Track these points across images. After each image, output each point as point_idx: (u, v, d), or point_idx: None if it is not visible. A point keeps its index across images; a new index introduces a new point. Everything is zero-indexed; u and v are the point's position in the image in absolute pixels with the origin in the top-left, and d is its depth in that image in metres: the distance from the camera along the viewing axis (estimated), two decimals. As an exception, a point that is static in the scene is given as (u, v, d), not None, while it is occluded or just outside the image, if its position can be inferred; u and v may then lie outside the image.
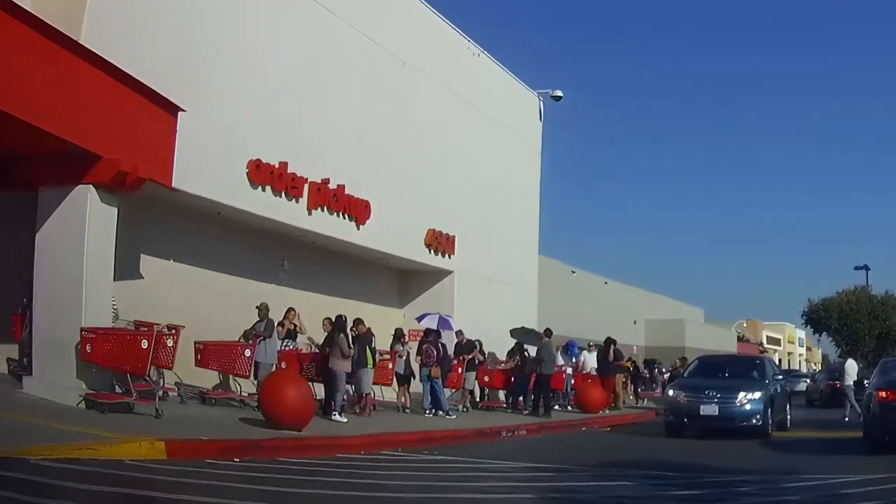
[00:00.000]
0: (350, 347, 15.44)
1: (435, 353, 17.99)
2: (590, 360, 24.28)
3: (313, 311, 16.98)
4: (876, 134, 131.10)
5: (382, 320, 19.90)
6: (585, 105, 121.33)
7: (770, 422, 16.03)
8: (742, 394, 15.95)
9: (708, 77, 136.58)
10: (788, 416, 18.59)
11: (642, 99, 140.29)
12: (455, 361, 19.78)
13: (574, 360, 23.23)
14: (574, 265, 53.40)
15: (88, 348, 11.81)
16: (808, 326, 63.88)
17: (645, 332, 60.94)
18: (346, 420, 14.77)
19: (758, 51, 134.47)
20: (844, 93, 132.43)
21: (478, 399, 21.41)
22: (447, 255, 21.53)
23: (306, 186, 17.14)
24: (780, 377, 18.11)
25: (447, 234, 21.41)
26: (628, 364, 34.94)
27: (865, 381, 18.24)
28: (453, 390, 20.21)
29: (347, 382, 16.67)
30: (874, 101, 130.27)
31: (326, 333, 15.72)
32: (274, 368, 15.96)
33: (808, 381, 40.32)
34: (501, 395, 21.83)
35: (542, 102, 27.09)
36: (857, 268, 54.78)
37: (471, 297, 22.12)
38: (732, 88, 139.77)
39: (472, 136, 23.07)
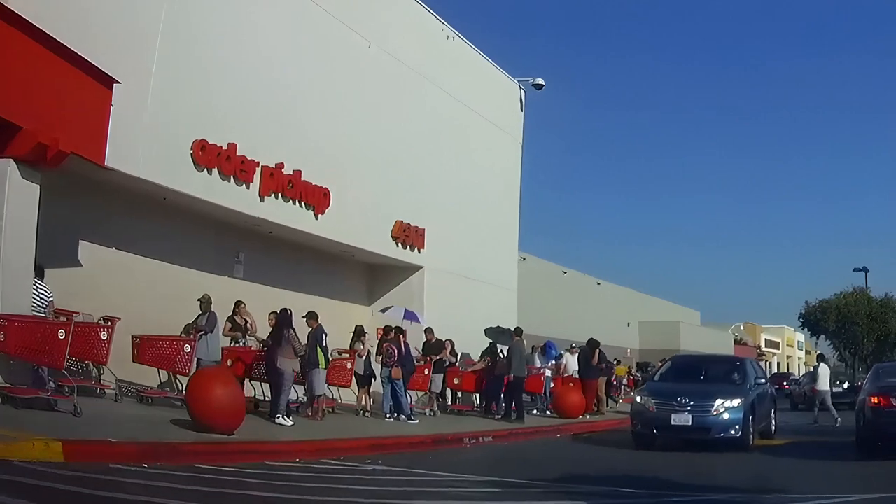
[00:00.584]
0: (301, 344, 14.29)
1: (396, 351, 16.74)
2: (572, 363, 23.03)
3: (273, 307, 15.76)
4: (878, 138, 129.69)
5: (350, 317, 18.73)
6: (574, 101, 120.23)
7: (751, 432, 14.40)
8: (719, 401, 14.04)
9: (704, 78, 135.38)
10: (773, 424, 17.17)
11: (635, 103, 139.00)
12: (422, 362, 18.57)
13: (553, 361, 21.90)
14: (566, 266, 52.33)
15: (1, 337, 10.80)
16: (806, 329, 62.35)
17: (639, 335, 59.70)
18: (291, 424, 13.57)
19: (755, 55, 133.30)
20: (854, 97, 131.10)
21: (449, 402, 20.18)
22: (416, 250, 20.23)
23: (258, 171, 15.87)
24: (764, 380, 16.34)
25: (416, 227, 20.11)
26: (623, 369, 33.86)
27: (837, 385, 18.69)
28: (422, 393, 19.00)
29: (298, 383, 15.59)
30: (874, 103, 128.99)
31: (271, 329, 14.52)
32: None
33: (794, 384, 41.49)
34: (477, 398, 20.59)
35: (523, 91, 25.71)
36: (855, 269, 53.50)
37: (443, 295, 20.85)
38: (732, 89, 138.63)
39: (445, 124, 21.75)
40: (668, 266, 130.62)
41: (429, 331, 18.90)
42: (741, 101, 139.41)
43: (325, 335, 15.29)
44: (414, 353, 18.31)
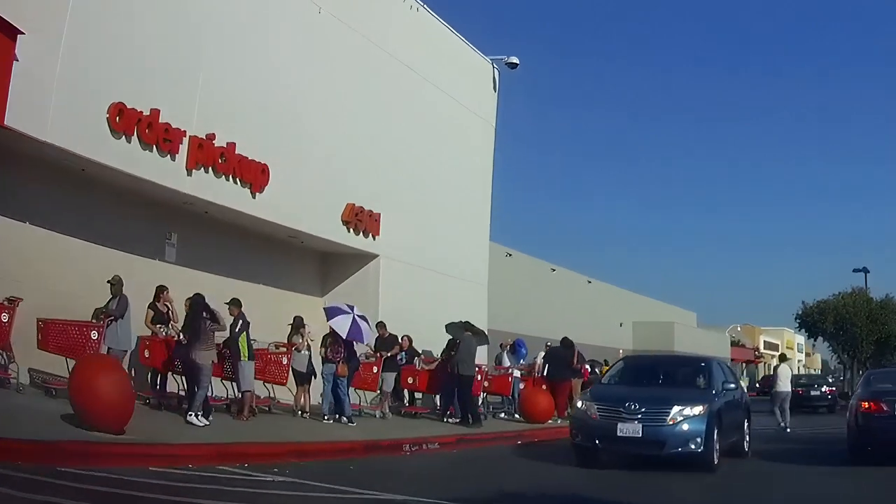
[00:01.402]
0: (222, 321, 12.79)
1: (342, 346, 15.16)
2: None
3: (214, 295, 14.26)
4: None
5: (300, 309, 17.08)
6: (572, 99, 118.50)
7: (716, 448, 11.72)
8: (677, 408, 11.39)
9: (699, 78, 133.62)
10: (747, 438, 14.10)
11: (629, 103, 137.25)
12: (372, 358, 16.98)
13: (522, 361, 20.17)
14: (557, 264, 50.61)
15: None
16: (802, 330, 60.41)
17: (632, 336, 58.02)
18: (203, 424, 12.05)
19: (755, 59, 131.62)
20: (850, 95, 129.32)
21: (406, 403, 18.56)
22: (371, 236, 18.56)
23: (185, 141, 14.21)
24: (734, 385, 13.59)
25: (371, 211, 18.43)
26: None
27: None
28: (374, 394, 17.40)
29: (229, 379, 14.07)
30: (875, 103, 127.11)
31: (185, 316, 12.97)
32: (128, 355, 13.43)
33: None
34: (438, 400, 18.96)
35: (496, 70, 23.94)
36: (855, 270, 51.77)
37: (401, 286, 19.21)
38: (730, 89, 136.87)
39: (407, 102, 20.06)
40: (667, 267, 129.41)
41: (381, 325, 17.31)
42: (738, 101, 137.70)
43: (248, 323, 13.76)
44: (365, 349, 16.75)
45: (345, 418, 14.92)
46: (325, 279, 19.36)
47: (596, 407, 11.94)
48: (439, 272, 20.55)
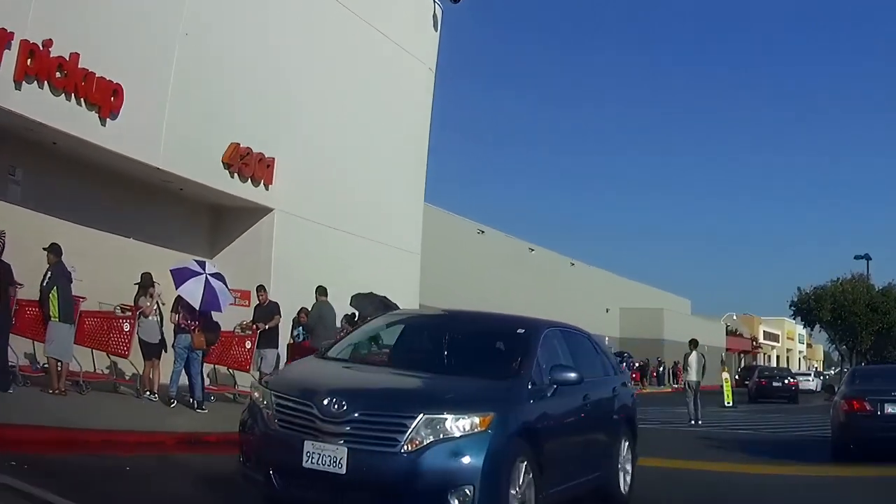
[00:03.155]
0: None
1: (196, 312, 12.23)
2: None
3: (68, 246, 11.51)
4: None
5: None
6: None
7: (525, 497, 5.95)
8: (426, 416, 5.65)
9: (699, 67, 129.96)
10: (625, 472, 8.21)
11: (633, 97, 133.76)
12: (248, 331, 14.05)
13: None
14: (539, 246, 47.50)
15: None
16: (798, 318, 57.05)
17: (619, 322, 55.01)
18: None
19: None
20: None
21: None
22: (263, 185, 15.50)
23: (12, 46, 11.22)
24: (598, 375, 8.08)
25: (261, 154, 15.37)
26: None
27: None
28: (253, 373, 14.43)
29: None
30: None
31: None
32: None
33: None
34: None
35: (438, 6, 20.66)
36: (857, 257, 48.69)
37: (302, 249, 16.21)
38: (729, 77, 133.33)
39: (323, 33, 16.93)
40: (664, 254, 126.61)
41: (261, 289, 14.35)
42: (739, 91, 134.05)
43: (64, 277, 10.87)
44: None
45: (196, 402, 12.03)
46: (214, 237, 16.34)
47: (275, 401, 6.01)
48: (357, 235, 17.52)
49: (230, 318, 13.84)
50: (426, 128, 20.50)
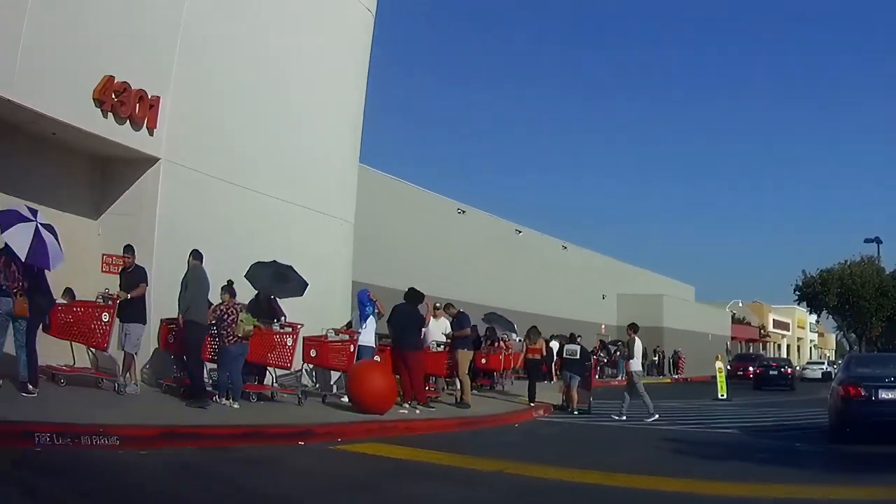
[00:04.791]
0: None
1: (18, 272, 9.76)
2: (435, 329, 15.99)
3: None
4: None
5: (68, 237, 11.67)
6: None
7: None
8: None
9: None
10: None
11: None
12: (107, 300, 11.55)
13: (366, 322, 14.15)
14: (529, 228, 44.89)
15: None
16: (802, 303, 53.95)
17: (617, 309, 52.28)
18: None
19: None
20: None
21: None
22: (145, 129, 12.90)
23: None
24: None
25: (142, 92, 12.78)
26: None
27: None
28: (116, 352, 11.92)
29: None
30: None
31: None
32: None
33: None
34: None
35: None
36: (867, 240, 45.71)
37: (195, 208, 13.52)
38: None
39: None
40: (670, 241, 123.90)
41: (128, 250, 11.83)
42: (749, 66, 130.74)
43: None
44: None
45: (29, 383, 9.59)
46: (101, 195, 13.74)
47: None
48: (268, 195, 14.96)
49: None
50: (363, 79, 17.86)
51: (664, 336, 51.25)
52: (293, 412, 12.00)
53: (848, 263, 47.08)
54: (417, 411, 13.39)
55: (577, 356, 18.66)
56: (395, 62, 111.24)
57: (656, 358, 47.89)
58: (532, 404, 17.92)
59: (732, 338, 63.92)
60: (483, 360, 22.21)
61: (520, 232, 40.52)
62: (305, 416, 11.65)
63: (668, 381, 45.40)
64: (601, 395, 24.75)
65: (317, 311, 14.45)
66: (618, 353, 42.37)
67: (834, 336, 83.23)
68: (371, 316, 14.06)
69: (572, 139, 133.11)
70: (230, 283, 11.97)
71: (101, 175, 13.81)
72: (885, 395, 12.58)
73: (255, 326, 12.28)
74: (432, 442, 10.62)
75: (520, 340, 24.48)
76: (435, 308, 16.70)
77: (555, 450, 11.49)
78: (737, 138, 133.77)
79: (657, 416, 16.40)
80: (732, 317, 65.92)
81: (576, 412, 17.54)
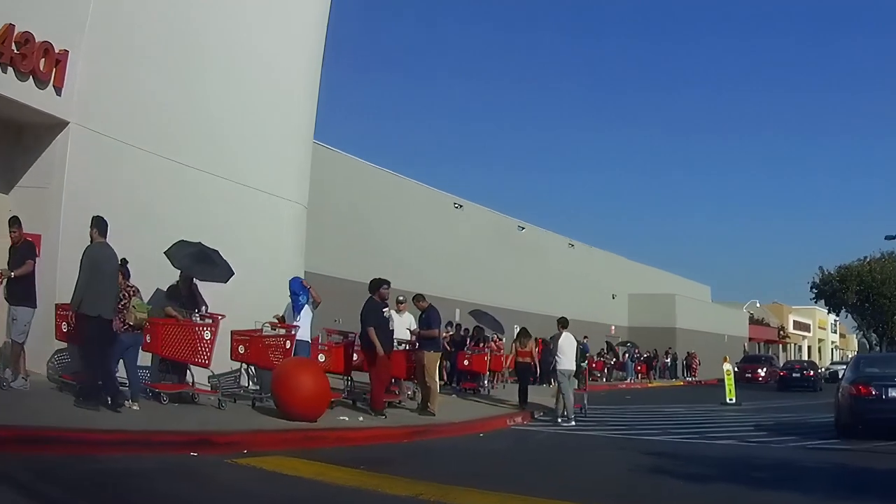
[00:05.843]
0: None
1: None
2: (399, 325, 14.15)
3: None
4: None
5: None
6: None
7: None
8: None
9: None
10: None
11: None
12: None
13: (300, 315, 12.35)
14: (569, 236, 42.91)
15: None
16: (821, 302, 51.46)
17: (628, 310, 50.17)
18: None
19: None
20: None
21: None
22: (50, 87, 11.15)
23: None
24: None
25: (47, 44, 11.03)
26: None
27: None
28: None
29: None
30: None
31: None
32: None
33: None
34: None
35: None
36: (888, 237, 43.31)
37: (112, 179, 11.75)
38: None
39: None
40: (687, 241, 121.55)
41: (14, 223, 10.11)
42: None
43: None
44: None
45: None
46: (10, 166, 12.11)
47: None
48: (200, 169, 13.13)
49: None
50: (318, 49, 15.97)
51: (677, 337, 49.14)
52: (203, 417, 10.23)
53: (868, 260, 44.64)
54: (361, 419, 11.61)
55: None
56: (394, 59, 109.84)
57: (668, 360, 45.76)
58: (523, 409, 16.74)
59: (750, 339, 61.58)
60: (466, 362, 20.44)
61: (522, 228, 38.61)
62: (216, 423, 9.91)
63: (681, 383, 43.38)
64: (604, 401, 22.98)
65: (253, 302, 12.72)
66: (626, 354, 40.49)
67: (855, 337, 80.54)
68: (306, 306, 12.31)
69: (589, 134, 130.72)
70: (124, 261, 10.23)
71: (11, 144, 12.13)
72: (894, 393, 13.32)
73: (170, 317, 10.62)
74: (359, 457, 8.82)
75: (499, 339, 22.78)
76: (398, 302, 14.94)
77: (506, 468, 9.54)
78: (760, 131, 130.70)
79: (573, 423, 15.28)
80: (750, 317, 63.55)
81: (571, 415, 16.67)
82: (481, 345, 21.47)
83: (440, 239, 30.91)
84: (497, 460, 10.28)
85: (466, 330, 22.99)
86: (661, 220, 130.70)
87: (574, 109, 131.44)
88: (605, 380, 37.19)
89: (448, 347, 22.60)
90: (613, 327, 47.38)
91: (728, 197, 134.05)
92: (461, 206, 33.40)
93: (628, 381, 38.48)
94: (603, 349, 39.29)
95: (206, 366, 10.85)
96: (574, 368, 16.27)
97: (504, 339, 23.40)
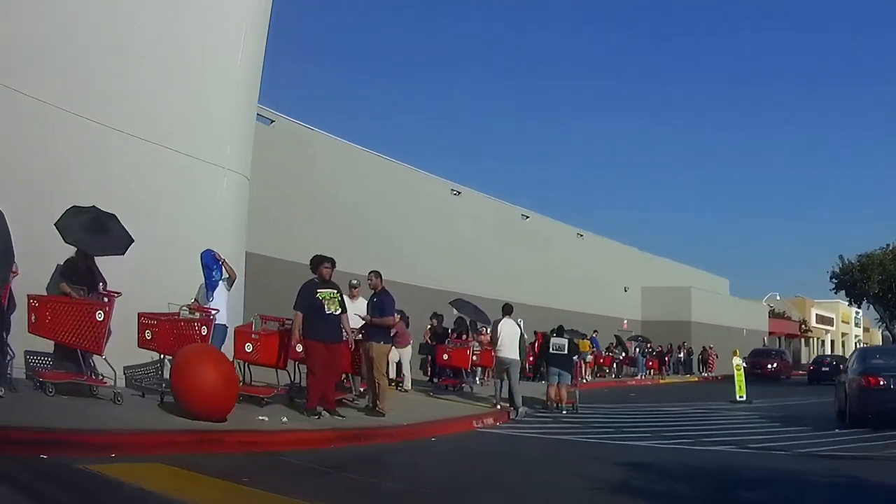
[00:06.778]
0: None
1: None
2: (351, 311, 12.41)
3: None
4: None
5: None
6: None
7: None
8: None
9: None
10: None
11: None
12: None
13: (212, 299, 10.75)
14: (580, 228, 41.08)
15: None
16: (840, 292, 48.81)
17: (641, 303, 48.19)
18: None
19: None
20: None
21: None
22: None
23: None
24: None
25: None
26: (587, 344, 23.60)
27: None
28: None
29: None
30: None
31: None
32: None
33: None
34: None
35: None
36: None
37: (11, 136, 10.36)
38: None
39: None
40: (704, 233, 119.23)
41: None
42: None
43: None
44: None
45: None
46: None
47: None
48: (118, 130, 11.39)
49: None
50: (264, 7, 14.24)
51: (692, 331, 47.12)
52: (86, 413, 8.64)
53: (890, 247, 42.06)
54: (284, 419, 9.99)
55: (565, 351, 17.03)
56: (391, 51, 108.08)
57: (682, 354, 43.75)
58: (517, 407, 15.46)
59: (770, 333, 59.32)
60: (445, 356, 18.76)
61: (527, 217, 36.83)
62: (97, 420, 8.31)
63: (695, 379, 41.35)
64: (605, 398, 21.46)
65: (174, 282, 11.14)
66: (637, 349, 38.57)
67: (879, 330, 77.83)
68: (221, 282, 10.72)
69: (599, 124, 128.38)
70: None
71: None
72: None
73: (65, 294, 9.13)
74: (258, 466, 7.19)
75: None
76: (351, 286, 13.32)
77: (421, 486, 7.63)
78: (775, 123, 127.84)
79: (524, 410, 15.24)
80: (770, 311, 61.27)
81: (564, 411, 16.51)
82: (464, 337, 19.79)
83: (434, 227, 29.23)
84: (422, 474, 8.40)
85: (460, 319, 21.31)
86: (680, 213, 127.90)
87: (589, 101, 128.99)
88: (613, 376, 35.39)
89: (430, 341, 21.02)
90: (626, 321, 45.49)
91: (749, 188, 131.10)
92: (459, 193, 31.70)
93: (639, 377, 36.60)
94: (612, 343, 37.46)
95: (97, 352, 9.28)
96: (517, 358, 15.38)
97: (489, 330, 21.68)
